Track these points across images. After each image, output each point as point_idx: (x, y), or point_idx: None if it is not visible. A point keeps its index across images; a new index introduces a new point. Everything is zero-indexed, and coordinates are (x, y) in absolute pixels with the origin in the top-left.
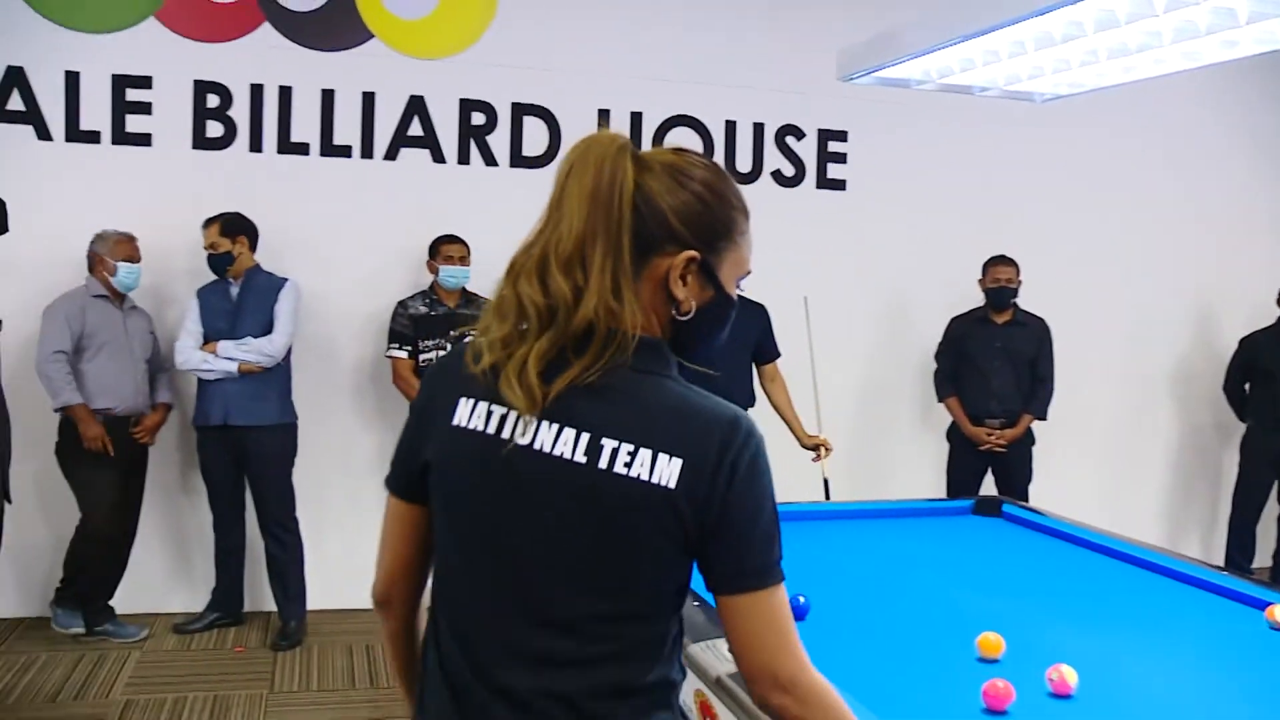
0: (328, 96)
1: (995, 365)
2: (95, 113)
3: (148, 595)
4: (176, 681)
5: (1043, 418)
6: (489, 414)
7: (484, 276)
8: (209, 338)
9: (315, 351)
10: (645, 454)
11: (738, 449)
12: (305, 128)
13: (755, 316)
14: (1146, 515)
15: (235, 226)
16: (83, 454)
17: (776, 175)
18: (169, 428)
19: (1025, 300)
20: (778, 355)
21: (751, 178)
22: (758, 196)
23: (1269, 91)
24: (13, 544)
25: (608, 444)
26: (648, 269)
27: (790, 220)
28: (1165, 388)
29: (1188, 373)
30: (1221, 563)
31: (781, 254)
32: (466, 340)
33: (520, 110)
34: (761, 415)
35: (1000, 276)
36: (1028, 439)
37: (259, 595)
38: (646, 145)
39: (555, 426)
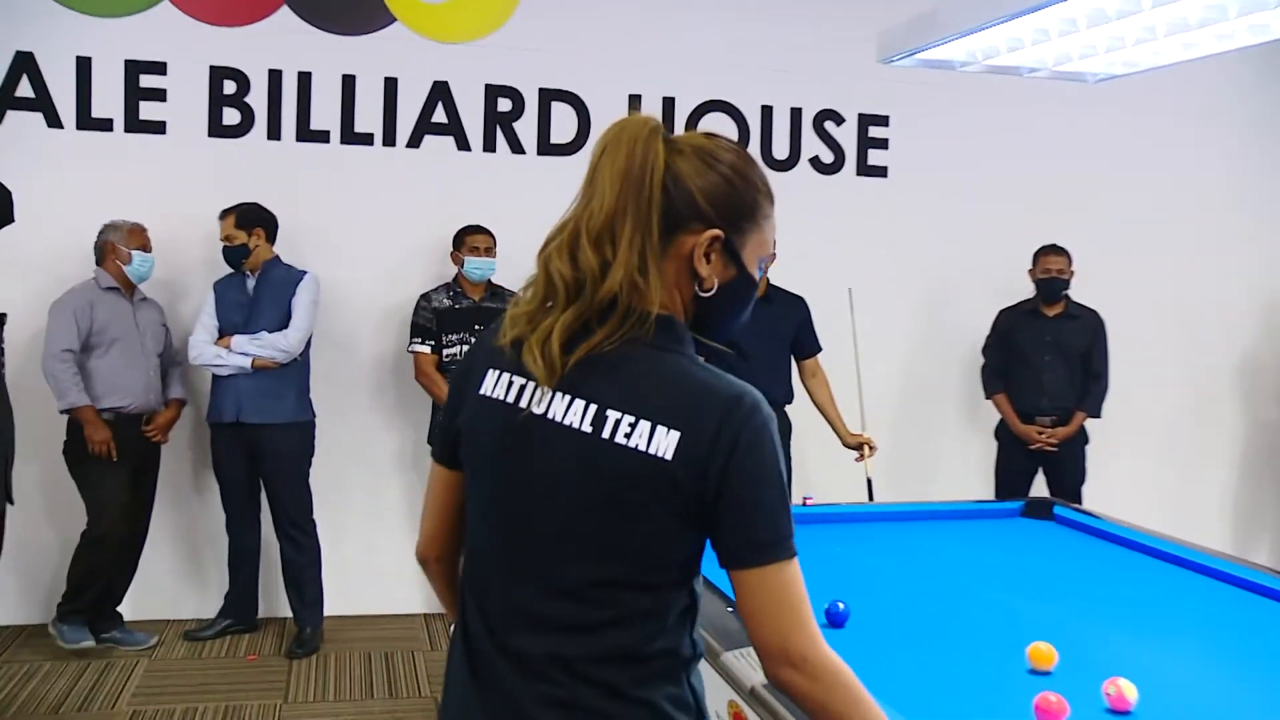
0: (348, 82)
1: (1046, 360)
2: (107, 100)
3: (157, 601)
4: (187, 691)
5: (1097, 415)
6: (510, 384)
7: (510, 268)
8: (224, 332)
9: (334, 346)
10: (644, 426)
11: (739, 423)
12: (325, 115)
13: (794, 309)
14: (1210, 518)
15: (252, 218)
16: (91, 454)
17: (815, 162)
18: (182, 425)
19: (1078, 291)
20: (818, 350)
21: (789, 165)
22: (795, 184)
23: None
24: (16, 548)
25: (611, 415)
26: (674, 246)
27: (829, 209)
28: (1229, 381)
29: (1253, 365)
30: None
31: (820, 244)
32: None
33: (548, 96)
34: (801, 413)
35: (1051, 267)
36: (1081, 437)
37: (274, 601)
38: (679, 130)
39: (568, 397)
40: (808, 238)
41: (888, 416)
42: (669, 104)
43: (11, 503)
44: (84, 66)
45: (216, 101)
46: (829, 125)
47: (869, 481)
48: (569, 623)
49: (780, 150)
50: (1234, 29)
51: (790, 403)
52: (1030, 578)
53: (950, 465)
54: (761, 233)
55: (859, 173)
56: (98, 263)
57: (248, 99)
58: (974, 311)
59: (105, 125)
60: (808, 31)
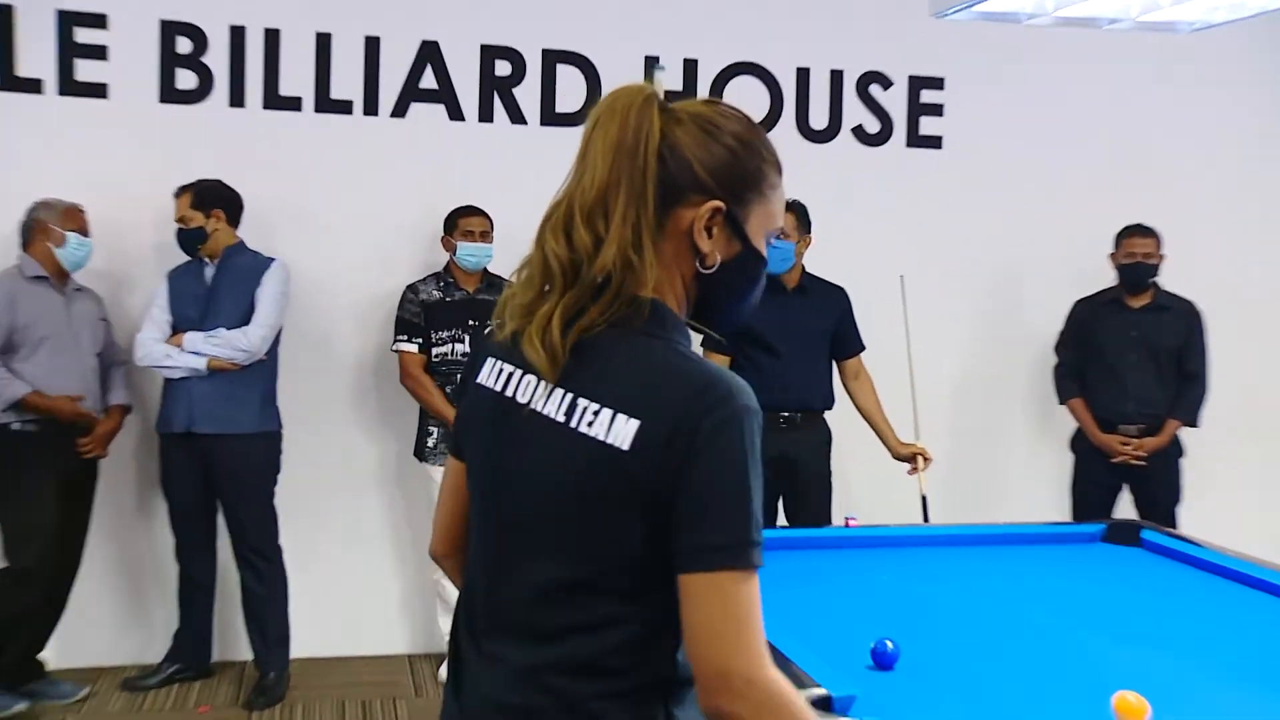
0: (323, 42)
1: (1132, 359)
2: (36, 57)
3: (90, 644)
4: None
5: (1193, 423)
6: (500, 371)
7: (510, 255)
8: (178, 328)
9: (307, 345)
10: (606, 414)
11: (702, 411)
12: (297, 79)
13: (833, 301)
14: None
15: (210, 197)
16: (11, 471)
17: (858, 132)
18: (125, 434)
19: (1169, 279)
20: (861, 348)
21: (828, 135)
22: (836, 158)
23: None
24: None
25: (581, 403)
26: (672, 221)
27: (874, 186)
28: None
29: None
30: None
31: (865, 227)
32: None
33: (552, 58)
34: (843, 419)
35: (1137, 250)
36: (1174, 450)
37: (231, 641)
38: (703, 95)
39: (549, 385)
40: (850, 219)
41: (944, 425)
42: (690, 67)
43: None
44: (5, 17)
45: (168, 61)
46: (875, 90)
47: (924, 499)
48: (536, 627)
49: (819, 119)
50: None
51: (830, 408)
52: (1113, 614)
53: (1018, 482)
54: (768, 204)
55: (910, 144)
56: (23, 247)
57: (205, 59)
58: (1046, 303)
59: (33, 87)
60: None
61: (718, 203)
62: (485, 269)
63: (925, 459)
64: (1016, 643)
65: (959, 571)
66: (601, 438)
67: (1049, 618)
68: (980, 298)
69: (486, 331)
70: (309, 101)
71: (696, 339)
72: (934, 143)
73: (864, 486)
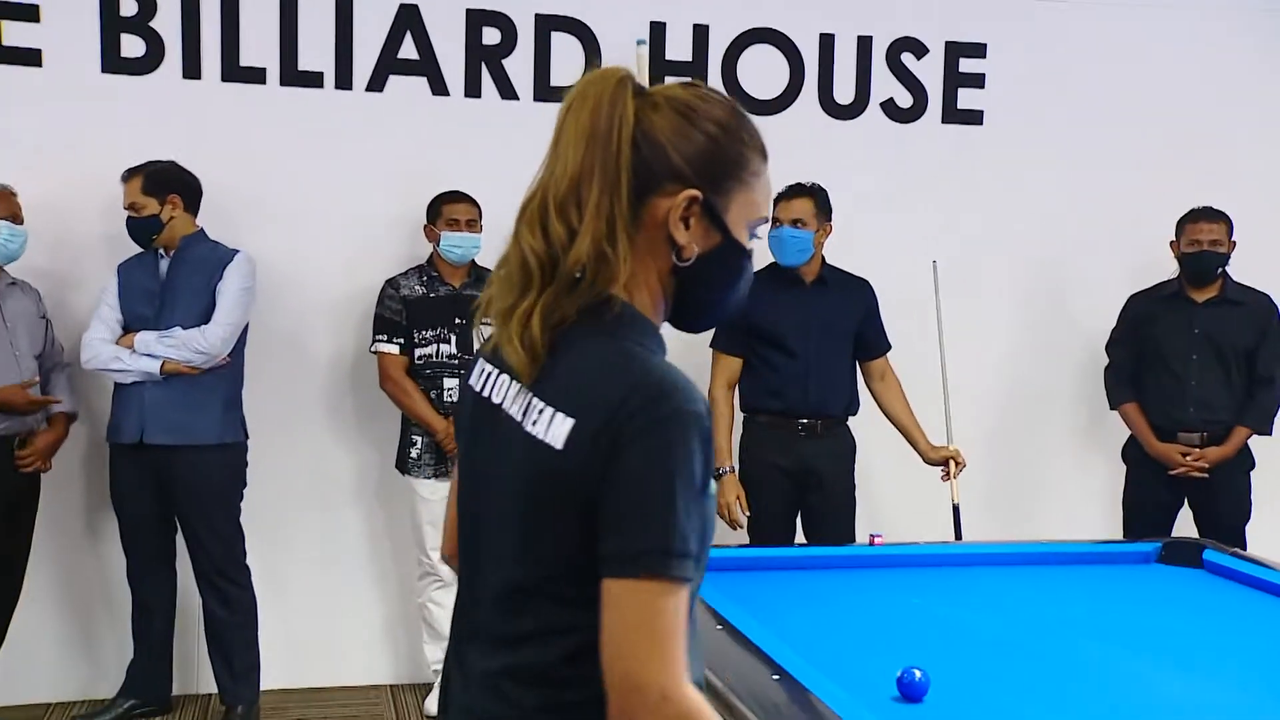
0: (289, 5)
1: (1194, 359)
2: None
3: (33, 678)
4: None
5: (1265, 431)
6: (484, 373)
7: (500, 245)
8: (130, 327)
9: (275, 347)
10: (548, 413)
11: (631, 413)
12: (259, 47)
13: (857, 296)
14: None
15: (164, 181)
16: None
17: (888, 107)
18: (71, 445)
19: (1239, 270)
20: (887, 347)
21: (855, 111)
22: (863, 135)
23: None
24: None
25: (534, 403)
26: (647, 211)
27: (906, 166)
28: None
29: None
30: None
31: (894, 212)
32: None
33: (546, 25)
34: (867, 426)
35: (1202, 237)
36: (1242, 461)
37: (193, 673)
38: (714, 67)
39: (519, 386)
40: (878, 205)
41: (981, 432)
42: (701, 34)
43: None
44: None
45: (112, 26)
46: (907, 58)
47: (955, 510)
48: (497, 633)
49: (844, 92)
50: None
51: (854, 414)
52: (1170, 643)
53: (1064, 496)
54: (750, 192)
55: (946, 119)
56: None
57: (154, 24)
58: (1097, 297)
59: None
60: None
61: (694, 191)
62: (473, 261)
63: (958, 464)
64: (1060, 674)
65: (996, 594)
66: (541, 436)
67: (1097, 646)
68: (1024, 291)
69: (488, 335)
70: (274, 73)
71: (705, 338)
72: (974, 118)
73: (891, 501)
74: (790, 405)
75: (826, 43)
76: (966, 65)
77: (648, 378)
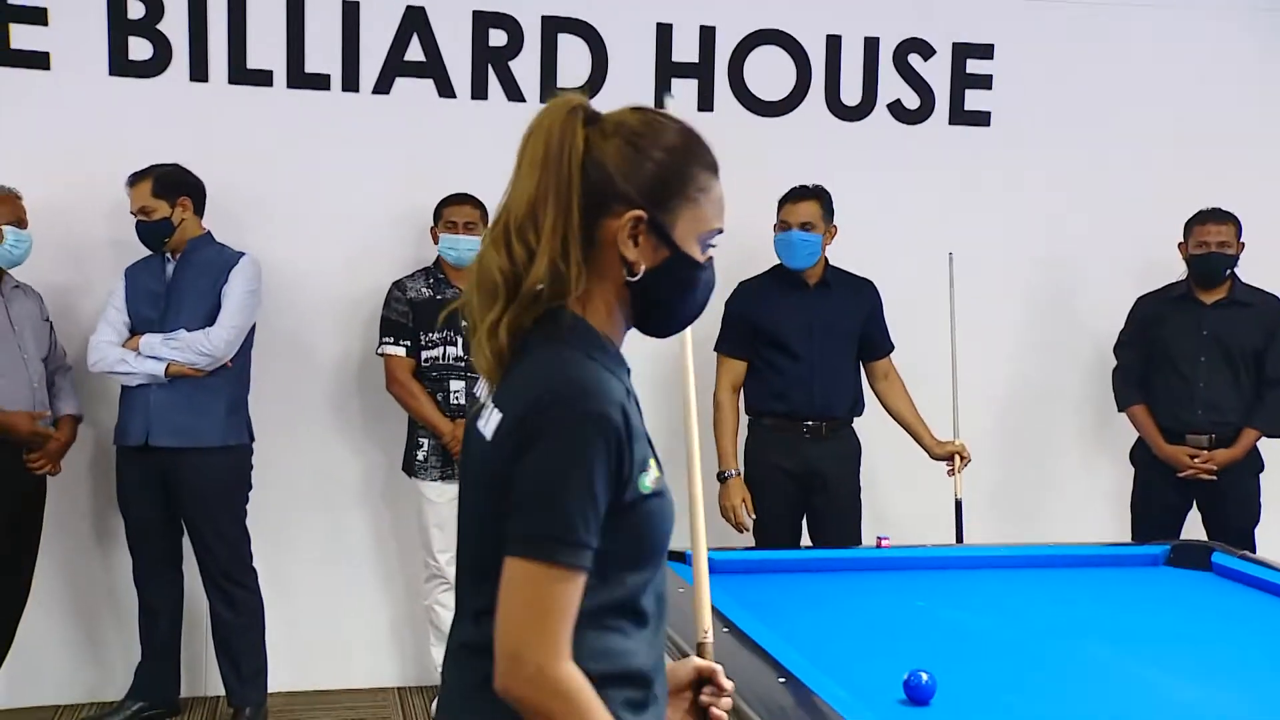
0: (296, 7)
1: (1203, 361)
2: None
3: (41, 681)
4: None
5: (1275, 434)
6: (479, 380)
7: None
8: (137, 330)
9: (281, 349)
10: (491, 409)
11: (541, 409)
12: (266, 50)
13: (861, 297)
14: None
15: (174, 183)
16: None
17: (895, 108)
18: (78, 447)
19: (1247, 272)
20: (890, 348)
21: (861, 112)
22: (869, 137)
23: None
24: None
25: (488, 402)
26: (600, 231)
27: (913, 168)
28: None
29: None
30: None
31: (900, 214)
32: None
33: (553, 26)
34: (872, 427)
35: (1211, 239)
36: (1251, 463)
37: (202, 675)
38: (721, 68)
39: (488, 391)
40: (884, 207)
41: (988, 433)
42: (707, 35)
43: None
44: None
45: (119, 28)
46: (914, 60)
47: (958, 504)
48: (464, 607)
49: (850, 94)
50: None
51: (858, 416)
52: (1178, 646)
53: (1071, 497)
54: (697, 208)
55: (953, 121)
56: None
57: (162, 26)
58: (1105, 299)
59: None
60: None
61: (637, 212)
62: None
63: (964, 458)
64: (1067, 677)
65: (1003, 596)
66: (484, 431)
67: (1105, 649)
68: (1031, 293)
69: None
70: (280, 76)
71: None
72: (981, 119)
73: (897, 503)
74: (795, 407)
75: (833, 44)
76: (974, 66)
77: (565, 379)
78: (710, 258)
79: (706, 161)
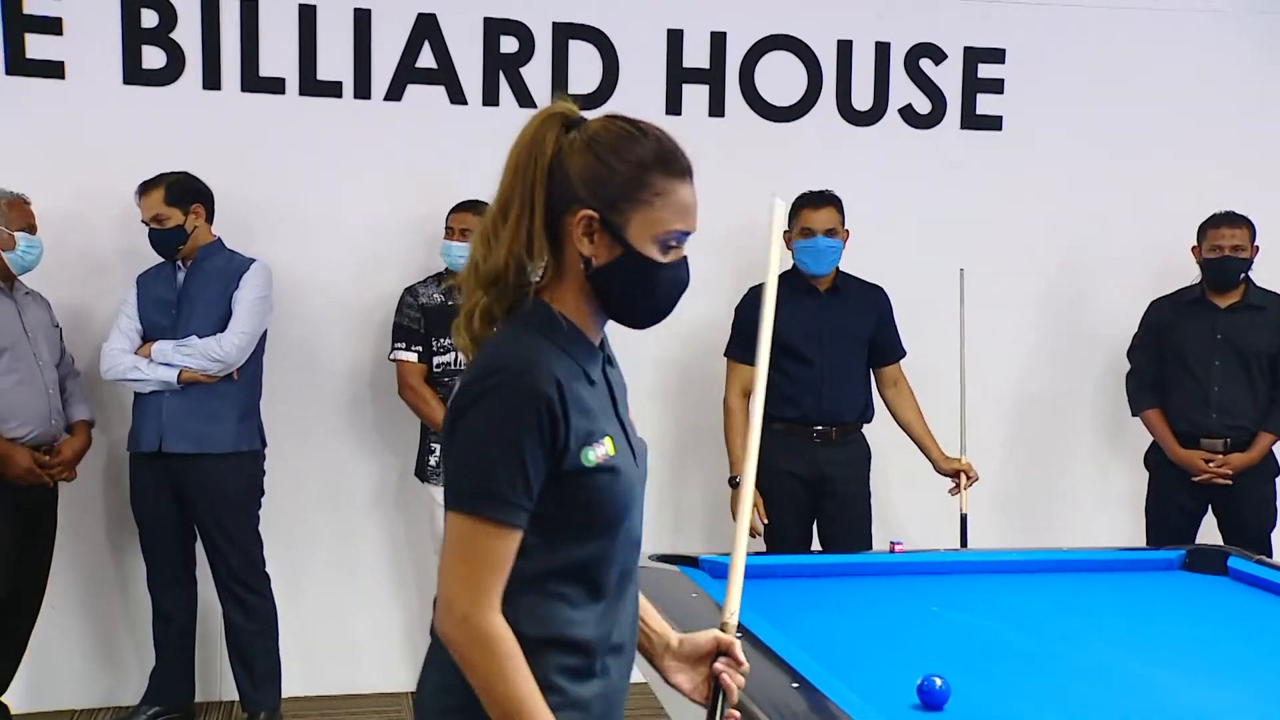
0: (308, 14)
1: (1217, 365)
2: None
3: (57, 685)
4: None
5: None
6: None
7: None
8: (149, 337)
9: (294, 355)
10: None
11: (480, 378)
12: (279, 57)
13: (870, 303)
14: None
15: (186, 191)
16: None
17: (906, 113)
18: (93, 454)
19: (1262, 275)
20: (901, 354)
21: (873, 117)
22: (880, 142)
23: None
24: None
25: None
26: (564, 229)
27: (925, 173)
28: None
29: None
30: None
31: (912, 219)
32: None
33: (564, 33)
34: (882, 431)
35: (1225, 242)
36: (1267, 467)
37: (215, 680)
38: (732, 74)
39: None
40: (896, 212)
41: (1001, 438)
42: (718, 41)
43: None
44: None
45: (133, 37)
46: (925, 64)
47: (963, 519)
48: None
49: (862, 99)
50: None
51: (868, 421)
52: (1194, 651)
53: (1085, 502)
54: (650, 210)
55: (965, 125)
56: None
57: (175, 35)
58: (1118, 303)
59: None
60: None
61: (588, 211)
62: None
63: (970, 477)
64: (1082, 683)
65: (1017, 601)
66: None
67: (1119, 654)
68: (1043, 297)
69: None
70: (292, 83)
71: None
72: (993, 124)
73: (907, 508)
74: (805, 412)
75: (844, 49)
76: (985, 71)
77: (505, 354)
78: (679, 259)
79: (667, 167)
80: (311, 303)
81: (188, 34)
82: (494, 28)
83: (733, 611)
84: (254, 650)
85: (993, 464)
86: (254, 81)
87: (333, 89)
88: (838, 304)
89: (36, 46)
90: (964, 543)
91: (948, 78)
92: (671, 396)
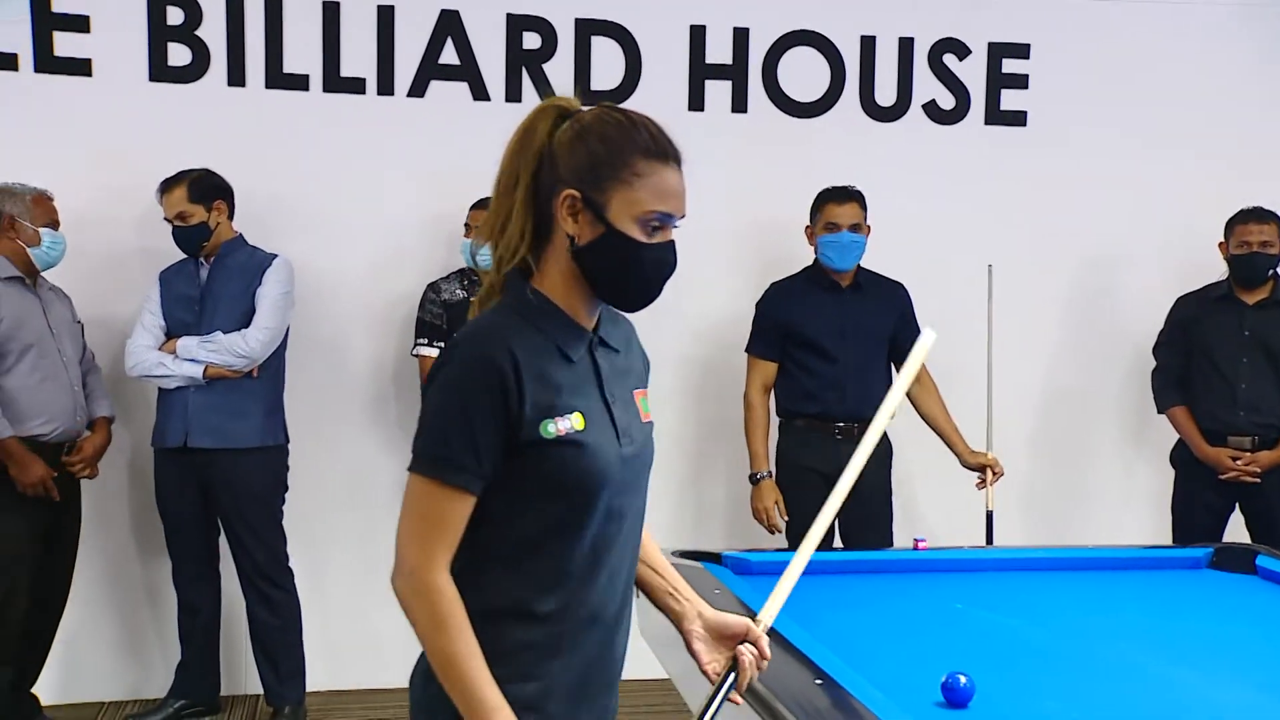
0: (331, 12)
1: (1244, 362)
2: (10, 29)
3: (86, 678)
4: None
5: None
6: None
7: None
8: (173, 333)
9: (318, 350)
10: None
11: (445, 352)
12: (302, 54)
13: (891, 299)
14: None
15: (209, 188)
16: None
17: (930, 109)
18: (117, 449)
19: None
20: None
21: (896, 113)
22: (904, 138)
23: None
24: None
25: None
26: (552, 211)
27: (948, 169)
28: None
29: None
30: None
31: (935, 216)
32: None
33: (587, 29)
34: (903, 428)
35: (1252, 238)
36: None
37: (241, 674)
38: (755, 69)
39: None
40: (920, 208)
41: (1026, 435)
42: (741, 36)
43: None
44: None
45: (159, 34)
46: (949, 60)
47: (989, 515)
48: None
49: (885, 94)
50: None
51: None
52: (1221, 650)
53: (1111, 500)
54: (631, 190)
55: (989, 121)
56: None
57: (200, 32)
58: (1144, 299)
59: (7, 62)
60: None
61: (571, 191)
62: None
63: (996, 472)
64: (1108, 682)
65: (1042, 599)
66: None
67: (1145, 653)
68: (1068, 294)
69: None
70: (316, 80)
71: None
72: (1017, 119)
73: (930, 505)
74: (826, 409)
75: (868, 44)
76: (1009, 66)
77: (465, 330)
78: (665, 241)
79: (648, 149)
80: (334, 299)
81: (213, 31)
82: (517, 24)
83: (771, 614)
84: (278, 645)
85: (1018, 461)
86: (278, 78)
87: (356, 85)
88: (859, 300)
89: (64, 45)
90: (990, 540)
91: (972, 73)
92: (693, 392)
